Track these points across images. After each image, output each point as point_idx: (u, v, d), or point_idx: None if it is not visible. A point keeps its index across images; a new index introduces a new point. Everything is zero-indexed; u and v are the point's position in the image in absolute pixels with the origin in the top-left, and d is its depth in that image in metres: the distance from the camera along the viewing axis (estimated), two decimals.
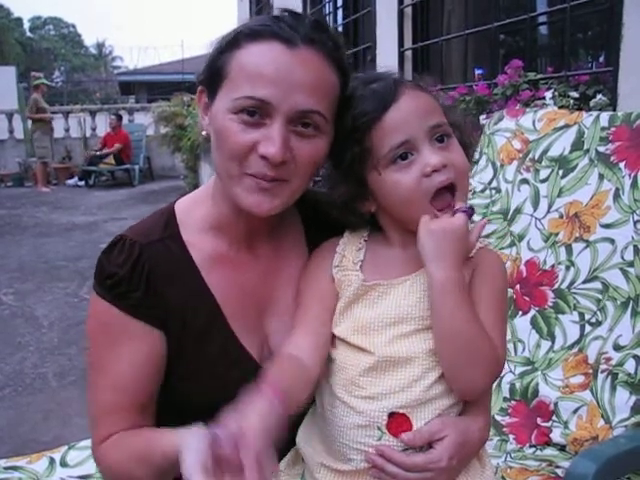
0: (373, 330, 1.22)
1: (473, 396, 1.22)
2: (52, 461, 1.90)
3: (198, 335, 1.31)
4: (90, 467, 1.84)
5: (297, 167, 1.20)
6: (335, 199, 1.27)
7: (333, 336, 1.27)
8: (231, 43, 1.21)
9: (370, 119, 1.18)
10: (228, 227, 1.34)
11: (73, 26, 62.84)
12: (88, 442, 1.92)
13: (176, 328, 1.29)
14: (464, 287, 1.17)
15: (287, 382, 1.11)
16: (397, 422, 1.17)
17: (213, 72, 1.23)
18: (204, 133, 1.30)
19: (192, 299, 1.31)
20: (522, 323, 2.15)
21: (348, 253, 1.30)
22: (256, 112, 1.17)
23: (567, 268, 2.09)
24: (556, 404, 2.00)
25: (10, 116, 15.66)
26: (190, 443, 0.95)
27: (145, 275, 1.27)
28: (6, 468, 1.85)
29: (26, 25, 58.80)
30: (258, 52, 1.18)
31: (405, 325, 1.21)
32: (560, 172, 2.19)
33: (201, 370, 1.30)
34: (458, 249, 1.17)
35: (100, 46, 61.49)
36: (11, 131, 15.73)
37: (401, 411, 1.17)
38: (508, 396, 2.10)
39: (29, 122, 14.58)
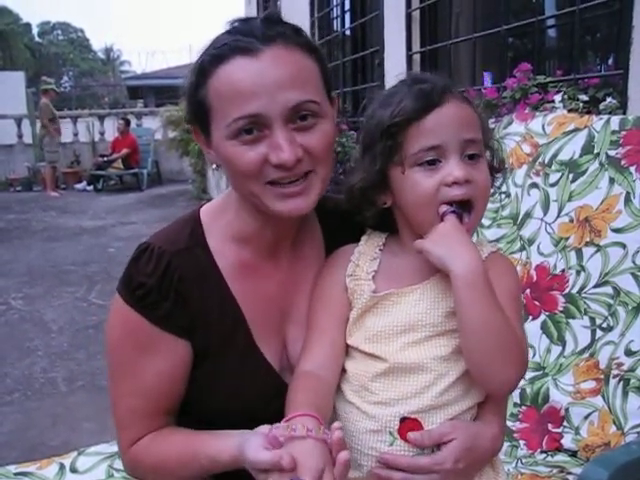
0: (384, 338, 1.22)
1: (505, 391, 1.23)
2: (62, 467, 1.90)
3: (221, 343, 1.31)
4: (100, 473, 1.84)
5: (314, 157, 1.20)
6: (354, 185, 1.27)
7: (346, 345, 1.27)
8: (200, 75, 1.21)
9: (410, 117, 1.18)
10: (253, 238, 1.34)
11: (81, 31, 63.13)
12: (98, 448, 1.94)
13: (201, 336, 1.30)
14: (486, 275, 1.16)
15: (317, 402, 1.14)
16: (409, 427, 1.18)
17: (196, 109, 1.24)
18: (214, 167, 1.32)
19: (218, 307, 1.31)
20: (532, 328, 2.14)
21: (362, 262, 1.30)
22: (253, 128, 1.17)
23: (578, 273, 2.08)
24: (567, 410, 1.99)
25: (19, 121, 15.72)
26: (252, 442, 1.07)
27: (175, 284, 1.27)
28: (16, 474, 1.85)
29: (35, 30, 59.14)
30: (226, 74, 1.17)
31: (416, 332, 1.21)
32: (570, 176, 2.18)
33: (220, 377, 1.31)
34: (464, 241, 1.17)
35: (108, 51, 61.76)
36: (20, 136, 15.79)
37: (413, 416, 1.18)
38: (518, 401, 2.09)
39: (38, 127, 14.63)
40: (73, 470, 1.90)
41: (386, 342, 1.22)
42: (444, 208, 1.18)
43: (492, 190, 1.33)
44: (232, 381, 1.29)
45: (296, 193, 1.20)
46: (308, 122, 1.20)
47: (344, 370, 1.26)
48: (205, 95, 1.20)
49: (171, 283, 1.27)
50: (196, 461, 1.22)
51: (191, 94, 1.24)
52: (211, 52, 1.21)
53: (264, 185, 1.20)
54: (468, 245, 1.17)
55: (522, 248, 2.25)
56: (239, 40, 1.18)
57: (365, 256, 1.31)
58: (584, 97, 3.06)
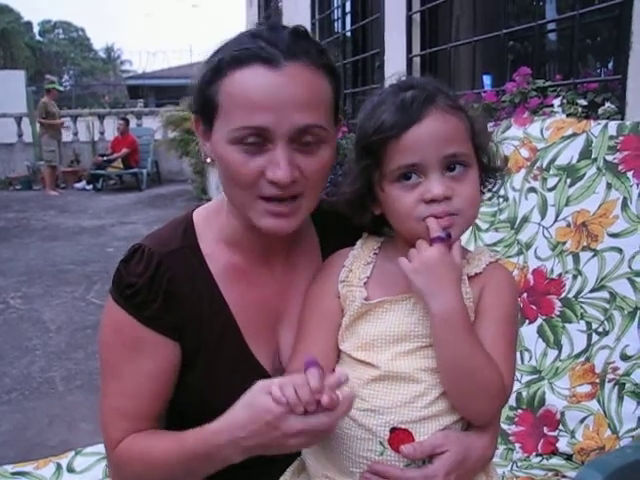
0: (377, 347, 1.21)
1: (480, 423, 1.21)
2: (59, 467, 1.91)
3: (212, 347, 1.31)
4: (97, 473, 1.84)
5: (307, 181, 1.20)
6: (344, 195, 1.27)
7: (338, 350, 1.27)
8: (215, 72, 1.20)
9: (388, 135, 1.16)
10: (243, 243, 1.34)
11: (82, 30, 63.11)
12: (95, 448, 1.95)
13: (191, 338, 1.30)
14: (465, 316, 1.16)
15: None
16: (399, 437, 1.16)
17: (205, 102, 1.23)
18: (208, 160, 1.31)
19: (208, 310, 1.31)
20: (529, 331, 2.15)
21: (356, 268, 1.29)
22: (256, 140, 1.16)
23: (574, 277, 2.09)
24: (563, 413, 1.99)
25: (19, 120, 15.72)
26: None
27: (164, 285, 1.27)
28: (13, 474, 1.86)
29: (36, 29, 59.12)
30: (243, 79, 1.16)
31: (408, 342, 1.20)
32: (568, 181, 2.19)
33: (212, 381, 1.31)
34: (447, 277, 1.16)
35: (109, 50, 61.83)
36: (20, 135, 15.79)
37: (403, 427, 1.17)
38: (515, 405, 2.10)
39: (38, 125, 14.63)
40: (70, 470, 1.91)
41: (378, 350, 1.21)
42: (435, 233, 1.16)
43: (489, 194, 1.33)
44: (224, 384, 1.29)
45: (283, 214, 1.20)
46: (311, 146, 1.19)
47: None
48: (216, 92, 1.19)
49: (161, 284, 1.27)
50: (182, 442, 1.20)
51: (202, 87, 1.22)
52: (232, 53, 1.19)
53: (255, 199, 1.20)
54: (449, 281, 1.15)
55: (519, 252, 2.26)
56: (263, 48, 1.16)
57: (359, 260, 1.30)
58: (583, 102, 3.07)
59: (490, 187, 1.31)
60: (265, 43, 1.17)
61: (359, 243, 1.34)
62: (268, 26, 1.23)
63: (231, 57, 1.18)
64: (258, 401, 1.07)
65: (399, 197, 1.18)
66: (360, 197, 1.25)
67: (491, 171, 1.28)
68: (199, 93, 1.24)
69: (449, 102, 1.20)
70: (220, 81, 1.19)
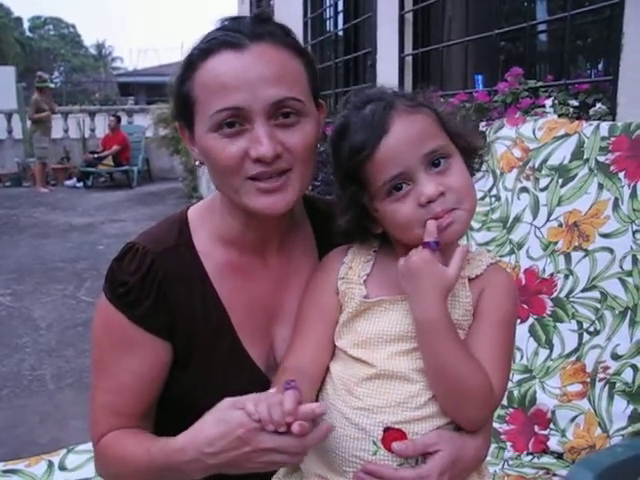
0: (373, 345, 1.21)
1: (469, 429, 1.21)
2: (51, 464, 1.91)
3: (205, 344, 1.32)
4: (89, 471, 1.84)
5: (293, 156, 1.21)
6: (342, 225, 1.26)
7: (334, 347, 1.27)
8: (188, 68, 1.23)
9: (362, 157, 1.15)
10: (238, 240, 1.35)
11: (73, 26, 62.71)
12: (87, 446, 1.95)
13: (184, 336, 1.31)
14: (446, 326, 1.15)
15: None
16: (392, 437, 1.16)
17: (182, 103, 1.25)
18: (197, 163, 1.32)
19: (202, 308, 1.32)
20: (520, 331, 2.15)
21: (355, 265, 1.29)
22: (234, 122, 1.18)
23: (566, 277, 2.10)
24: (554, 412, 2.01)
25: (9, 116, 15.63)
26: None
27: (157, 283, 1.28)
28: (5, 471, 1.85)
29: (26, 25, 58.68)
30: (213, 66, 1.19)
31: (405, 343, 1.20)
32: (560, 181, 2.20)
33: (205, 379, 1.31)
34: (428, 285, 1.14)
35: (100, 47, 61.46)
36: (10, 131, 15.70)
37: (397, 426, 1.17)
38: (506, 404, 2.11)
39: (28, 122, 14.56)
40: (62, 468, 1.91)
41: (375, 349, 1.21)
42: (426, 238, 1.14)
43: (482, 194, 1.32)
44: (217, 382, 1.30)
45: (273, 189, 1.21)
46: (290, 120, 1.20)
47: (330, 371, 1.26)
48: (191, 88, 1.22)
49: (153, 282, 1.28)
50: (149, 452, 1.21)
51: (178, 88, 1.26)
52: (199, 46, 1.23)
53: (244, 180, 1.21)
54: (430, 290, 1.14)
55: (511, 252, 2.27)
56: (227, 35, 1.20)
57: (359, 257, 1.30)
58: (574, 102, 3.08)
59: (477, 167, 1.28)
60: (230, 31, 1.21)
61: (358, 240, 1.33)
62: (231, 18, 1.27)
63: (199, 50, 1.22)
64: (231, 416, 1.07)
65: (396, 210, 1.17)
66: (357, 224, 1.25)
67: (473, 152, 1.26)
68: (177, 95, 1.27)
69: (408, 102, 1.19)
70: (193, 75, 1.22)
